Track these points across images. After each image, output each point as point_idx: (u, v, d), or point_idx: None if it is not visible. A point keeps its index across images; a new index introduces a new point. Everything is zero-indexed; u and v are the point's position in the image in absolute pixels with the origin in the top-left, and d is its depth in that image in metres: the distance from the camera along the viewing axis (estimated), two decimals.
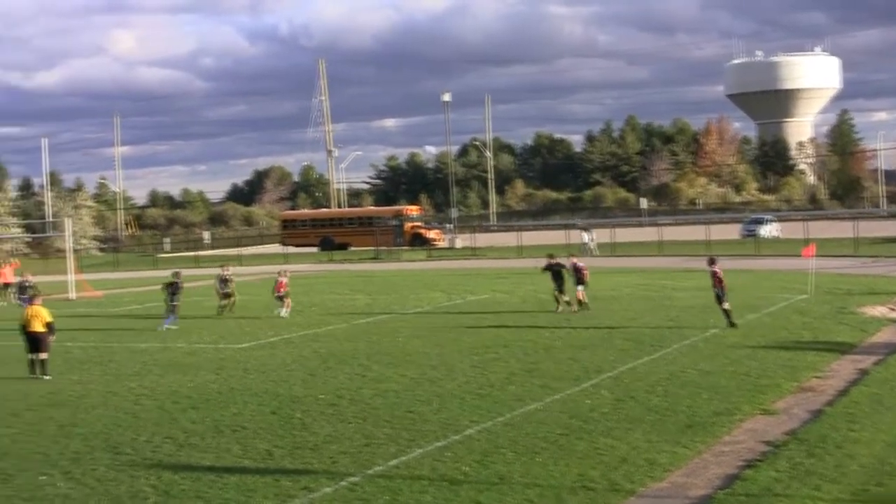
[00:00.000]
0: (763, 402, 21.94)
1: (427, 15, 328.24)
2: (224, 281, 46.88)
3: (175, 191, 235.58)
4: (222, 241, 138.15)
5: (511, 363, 28.49)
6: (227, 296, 46.49)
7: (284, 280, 44.95)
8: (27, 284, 49.74)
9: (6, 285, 49.45)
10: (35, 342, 29.54)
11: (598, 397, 22.96)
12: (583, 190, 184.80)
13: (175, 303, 41.79)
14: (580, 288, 41.25)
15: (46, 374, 29.07)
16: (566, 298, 41.26)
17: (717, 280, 35.04)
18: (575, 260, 42.28)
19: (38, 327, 29.54)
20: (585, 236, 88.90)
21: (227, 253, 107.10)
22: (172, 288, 42.01)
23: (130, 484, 16.94)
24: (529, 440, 18.95)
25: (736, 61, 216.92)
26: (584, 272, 41.55)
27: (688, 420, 20.30)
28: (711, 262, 36.12)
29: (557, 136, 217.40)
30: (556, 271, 41.80)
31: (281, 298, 44.31)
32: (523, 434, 19.45)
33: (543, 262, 43.53)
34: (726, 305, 34.74)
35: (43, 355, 29.46)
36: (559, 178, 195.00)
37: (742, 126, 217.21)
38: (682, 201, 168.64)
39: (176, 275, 43.39)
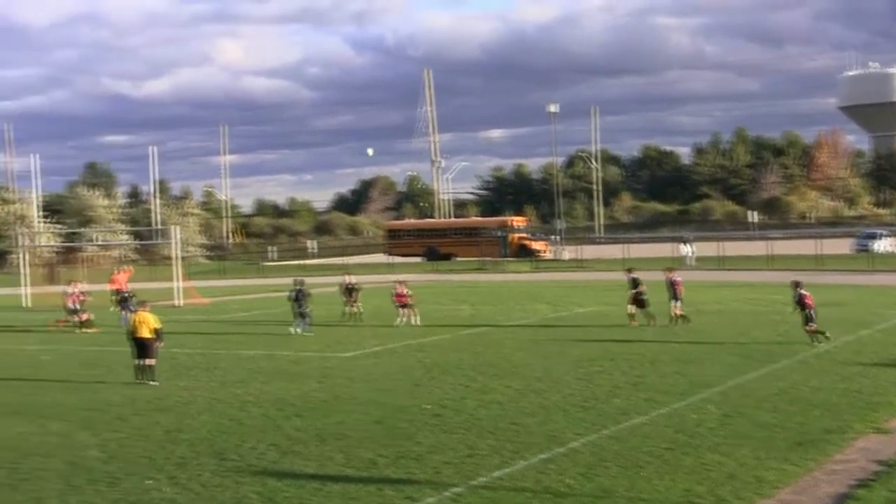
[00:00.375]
0: (875, 420, 21.58)
1: (534, 25, 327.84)
2: (350, 290, 47.69)
3: (281, 200, 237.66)
4: (327, 251, 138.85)
5: (616, 376, 28.34)
6: (354, 305, 47.27)
7: (403, 290, 45.29)
8: (128, 295, 50.28)
9: (118, 292, 50.06)
10: (143, 348, 29.91)
11: (704, 412, 22.73)
12: (690, 203, 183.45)
13: (303, 309, 42.55)
14: (675, 303, 40.85)
15: (154, 380, 29.42)
16: (648, 311, 40.98)
17: (805, 302, 34.44)
18: (671, 274, 41.82)
19: (145, 333, 29.91)
20: (685, 249, 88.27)
21: (332, 262, 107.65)
22: (298, 295, 42.60)
23: (235, 490, 17.06)
24: (634, 454, 18.81)
25: (849, 73, 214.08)
26: (679, 287, 41.14)
27: (797, 437, 20.01)
28: (797, 285, 35.33)
29: (665, 148, 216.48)
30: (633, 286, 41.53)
31: (403, 307, 44.70)
32: (628, 448, 19.31)
33: (625, 275, 43.27)
34: (813, 326, 34.11)
35: (150, 361, 29.83)
36: (667, 191, 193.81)
37: (855, 139, 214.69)
38: (793, 215, 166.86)
39: (300, 283, 43.94)
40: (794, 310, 34.81)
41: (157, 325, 30.21)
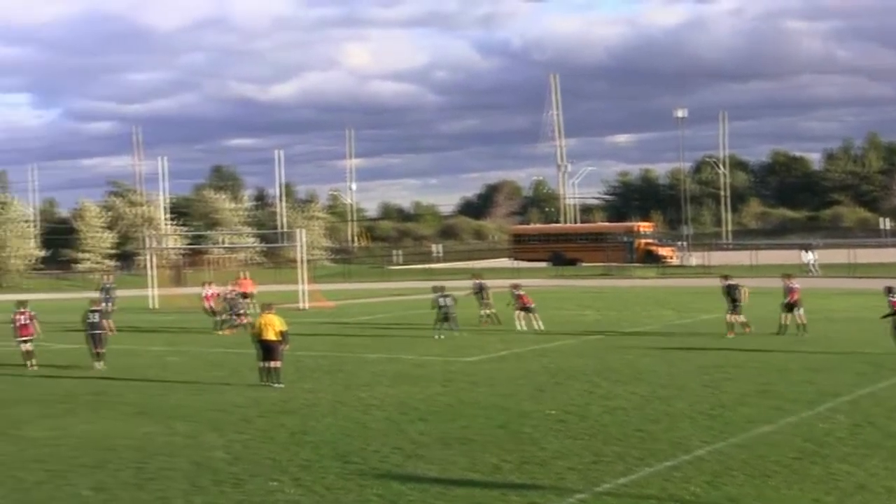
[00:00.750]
0: None
1: (661, 29, 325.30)
2: (481, 289, 48.01)
3: (406, 203, 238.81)
4: (453, 255, 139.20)
5: (743, 384, 28.04)
6: (488, 306, 47.53)
7: (522, 293, 45.43)
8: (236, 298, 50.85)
9: (245, 295, 50.72)
10: (268, 350, 30.21)
11: (833, 421, 22.41)
12: (820, 209, 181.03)
13: (451, 312, 43.15)
14: (796, 311, 40.14)
15: (279, 383, 29.70)
16: (742, 319, 40.41)
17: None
18: (790, 281, 41.15)
19: (271, 336, 30.20)
20: (807, 256, 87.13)
21: (457, 266, 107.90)
22: (446, 300, 43.20)
23: (358, 493, 17.14)
24: (761, 463, 18.60)
25: None
26: (795, 295, 40.44)
27: None
28: (890, 291, 34.56)
29: (795, 153, 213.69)
30: (729, 292, 40.89)
31: (526, 310, 44.82)
32: (755, 456, 19.09)
33: (720, 281, 42.62)
34: None
35: (275, 364, 30.12)
36: (796, 197, 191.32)
37: None
38: None
39: (441, 288, 44.26)
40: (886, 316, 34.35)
41: (283, 328, 30.48)
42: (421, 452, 20.15)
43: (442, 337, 41.92)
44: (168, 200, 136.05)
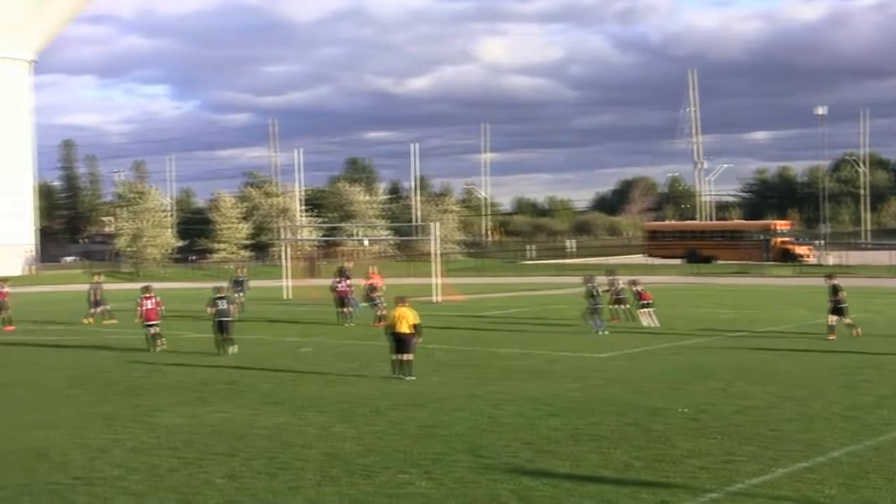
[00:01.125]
0: None
1: (802, 25, 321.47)
2: (610, 287, 47.96)
3: (540, 198, 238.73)
4: (586, 250, 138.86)
5: (881, 386, 27.55)
6: (620, 302, 47.40)
7: (641, 289, 45.21)
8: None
9: (373, 288, 51.15)
10: (401, 343, 30.35)
11: None
12: None
13: (598, 306, 42.84)
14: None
15: (410, 375, 29.83)
16: (847, 321, 39.63)
17: None
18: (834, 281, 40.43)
19: (404, 329, 30.33)
20: None
21: (591, 262, 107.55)
22: (594, 291, 42.90)
23: (489, 487, 17.13)
24: None
25: None
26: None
27: None
28: None
29: None
30: (834, 293, 40.07)
31: (647, 307, 44.62)
32: (892, 460, 18.74)
33: (825, 281, 41.77)
34: None
35: (408, 356, 30.24)
36: None
37: None
38: None
39: (592, 278, 44.20)
40: None
41: (416, 321, 30.61)
42: (552, 448, 20.11)
43: (606, 333, 41.59)
44: (303, 192, 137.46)
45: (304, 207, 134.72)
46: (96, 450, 20.46)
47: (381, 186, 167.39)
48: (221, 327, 37.46)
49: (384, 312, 45.56)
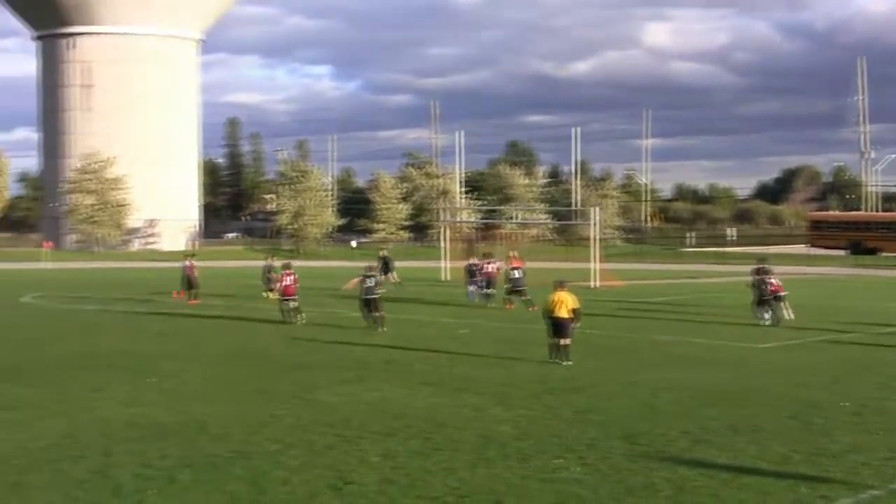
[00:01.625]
0: None
1: None
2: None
3: (701, 185, 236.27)
4: (747, 239, 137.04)
5: None
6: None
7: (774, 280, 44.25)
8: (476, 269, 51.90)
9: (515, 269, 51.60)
10: (559, 327, 30.27)
11: None
12: None
13: (765, 297, 42.32)
14: None
15: (567, 360, 29.78)
16: None
17: None
18: None
19: (563, 313, 30.26)
20: None
21: (751, 251, 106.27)
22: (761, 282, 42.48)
23: (644, 475, 17.04)
24: None
25: None
26: None
27: None
28: None
29: None
30: None
31: (776, 298, 43.70)
32: None
33: None
34: None
35: (565, 341, 30.17)
36: None
37: None
38: None
39: (763, 260, 43.90)
40: None
41: (575, 306, 30.52)
42: (709, 438, 19.93)
43: (767, 323, 41.04)
44: (463, 174, 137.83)
45: (463, 189, 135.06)
46: (255, 424, 20.80)
47: (541, 170, 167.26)
48: (368, 304, 38.48)
49: (527, 298, 46.13)
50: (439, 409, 22.84)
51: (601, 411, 22.58)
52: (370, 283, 38.63)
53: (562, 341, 30.19)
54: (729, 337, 37.00)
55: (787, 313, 42.65)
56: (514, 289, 48.35)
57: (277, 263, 52.53)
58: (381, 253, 62.89)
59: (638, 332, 38.35)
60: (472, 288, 51.69)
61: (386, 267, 58.62)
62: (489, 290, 50.50)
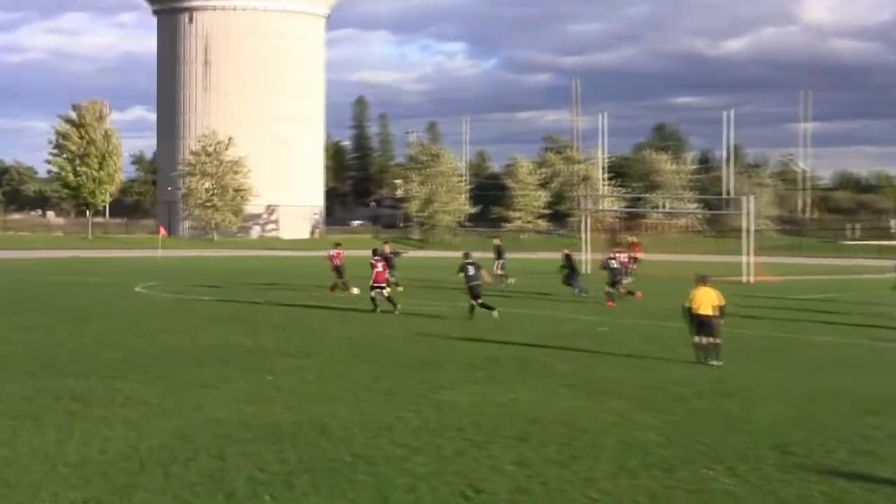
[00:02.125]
0: None
1: None
2: None
3: (864, 173, 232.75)
4: None
5: None
6: None
7: None
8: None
9: (634, 259, 51.70)
10: (704, 326, 29.96)
11: None
12: None
13: None
14: None
15: (717, 360, 29.50)
16: None
17: None
18: None
19: (707, 310, 29.97)
20: None
21: None
22: None
23: (799, 487, 16.76)
24: None
25: None
26: None
27: None
28: None
29: None
30: None
31: None
32: None
33: None
34: None
35: (714, 340, 29.86)
36: None
37: None
38: None
39: None
40: None
41: (720, 302, 30.20)
42: (871, 449, 19.56)
43: None
44: (606, 159, 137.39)
45: (606, 175, 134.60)
46: (379, 427, 20.79)
47: (690, 155, 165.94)
48: (473, 292, 40.02)
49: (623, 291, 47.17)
50: (577, 412, 22.67)
51: (752, 418, 22.28)
52: (471, 270, 40.25)
53: (710, 340, 29.86)
54: (893, 338, 36.41)
55: None
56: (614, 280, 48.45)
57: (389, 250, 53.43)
58: (494, 241, 63.16)
59: (793, 332, 37.90)
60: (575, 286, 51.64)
61: (499, 258, 58.82)
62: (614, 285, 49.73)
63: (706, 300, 30.10)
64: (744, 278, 61.68)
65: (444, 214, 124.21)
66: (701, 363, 29.48)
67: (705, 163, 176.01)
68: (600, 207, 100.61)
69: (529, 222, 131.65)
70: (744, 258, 64.22)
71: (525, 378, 27.18)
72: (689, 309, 30.40)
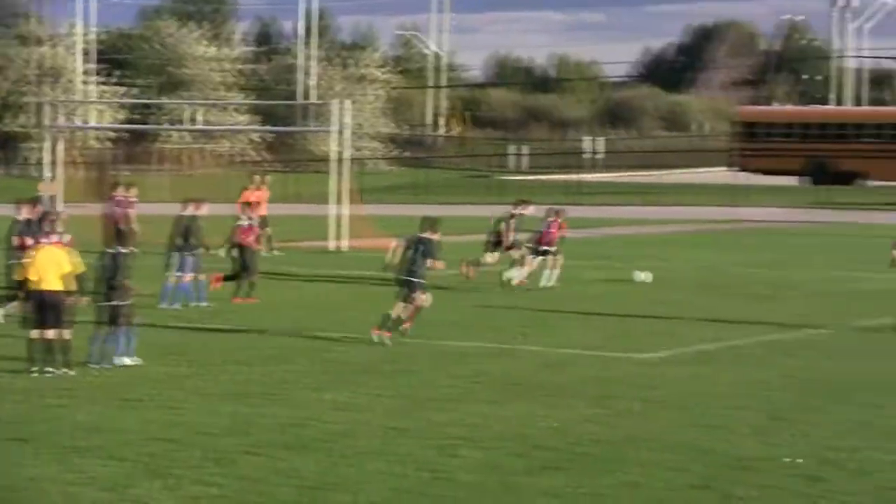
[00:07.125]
0: None
1: None
2: None
3: (539, 59, 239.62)
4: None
5: None
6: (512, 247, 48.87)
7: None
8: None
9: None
10: (48, 309, 30.61)
11: None
12: None
13: None
14: None
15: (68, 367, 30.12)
16: None
17: None
18: None
19: (52, 284, 30.44)
20: None
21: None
22: None
23: None
24: None
25: None
26: None
27: None
28: None
29: None
30: None
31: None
32: None
33: None
34: None
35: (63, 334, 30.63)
36: None
37: None
38: None
39: None
40: None
41: (75, 269, 30.57)
42: None
43: None
44: (88, 36, 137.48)
45: (92, 66, 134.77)
46: None
47: (237, 30, 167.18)
48: None
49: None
50: None
51: None
52: None
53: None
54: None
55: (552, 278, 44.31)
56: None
57: None
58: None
59: None
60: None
61: None
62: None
63: (51, 267, 30.38)
64: (330, 243, 61.75)
65: None
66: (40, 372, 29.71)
67: (265, 43, 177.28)
68: (80, 124, 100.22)
69: None
70: (331, 208, 63.88)
71: None
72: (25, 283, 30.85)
